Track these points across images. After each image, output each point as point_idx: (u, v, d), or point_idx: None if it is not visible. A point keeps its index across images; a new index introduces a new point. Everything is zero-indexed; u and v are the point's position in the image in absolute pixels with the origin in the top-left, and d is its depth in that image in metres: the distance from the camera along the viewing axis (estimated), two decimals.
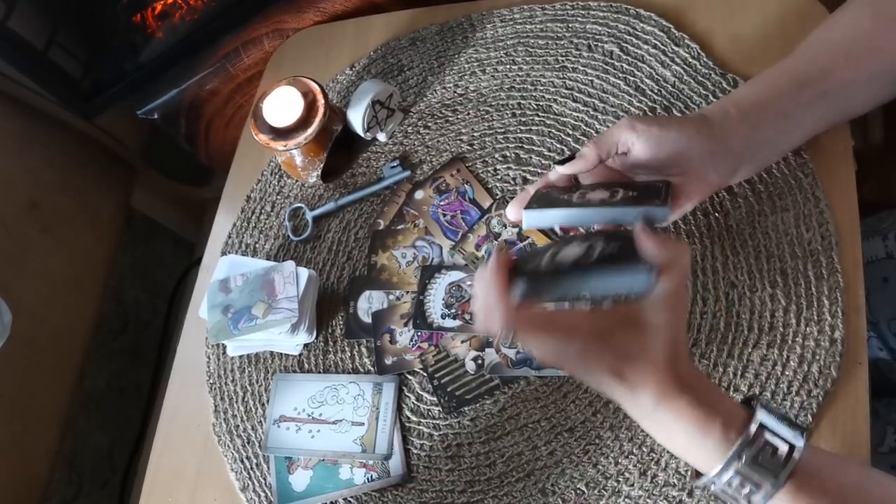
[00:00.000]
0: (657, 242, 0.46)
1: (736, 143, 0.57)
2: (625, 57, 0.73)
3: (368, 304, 0.72)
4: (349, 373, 0.69)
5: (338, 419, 0.67)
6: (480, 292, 0.48)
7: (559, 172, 0.56)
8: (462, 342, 0.67)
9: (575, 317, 0.48)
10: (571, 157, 0.55)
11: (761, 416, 0.44)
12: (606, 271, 0.48)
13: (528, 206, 0.55)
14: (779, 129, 0.57)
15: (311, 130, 0.72)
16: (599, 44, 0.75)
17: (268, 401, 0.71)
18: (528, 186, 0.58)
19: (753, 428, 0.43)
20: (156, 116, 1.02)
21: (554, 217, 0.55)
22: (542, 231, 0.68)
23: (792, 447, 0.43)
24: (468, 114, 0.78)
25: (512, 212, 0.57)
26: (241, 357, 0.74)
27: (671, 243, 0.46)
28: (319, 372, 0.71)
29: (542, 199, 0.57)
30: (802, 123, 0.58)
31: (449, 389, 0.65)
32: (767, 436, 0.43)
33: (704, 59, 0.70)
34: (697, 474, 0.46)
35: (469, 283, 0.68)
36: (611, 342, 0.46)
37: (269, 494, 0.66)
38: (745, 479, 0.43)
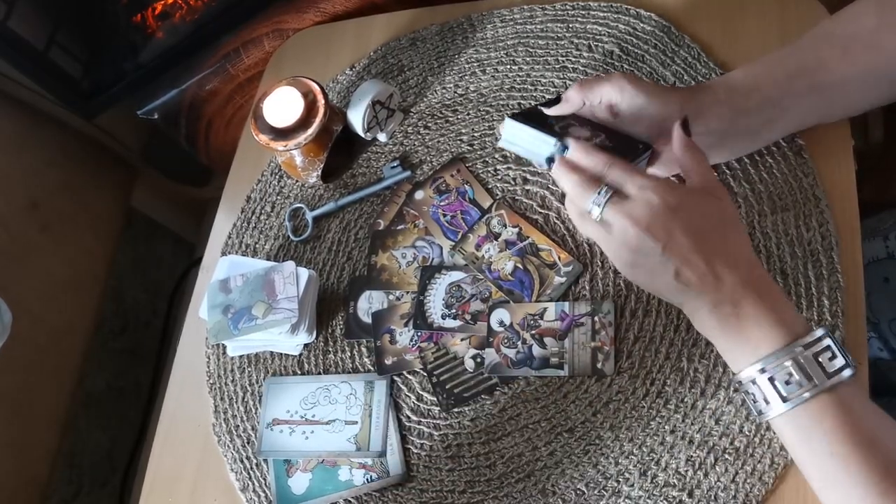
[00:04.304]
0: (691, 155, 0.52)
1: (716, 124, 0.57)
2: (625, 57, 0.73)
3: (368, 304, 0.72)
4: (349, 373, 0.69)
5: (331, 419, 0.67)
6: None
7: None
8: (462, 340, 0.67)
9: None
10: (557, 100, 0.58)
11: (822, 332, 0.47)
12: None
13: (514, 116, 0.58)
14: (763, 118, 0.57)
15: (312, 131, 0.72)
16: (599, 44, 0.75)
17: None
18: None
19: (819, 332, 0.47)
20: (156, 116, 1.02)
21: (530, 139, 0.58)
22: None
23: (844, 366, 0.46)
24: (468, 114, 0.78)
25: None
26: (241, 357, 0.74)
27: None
28: (319, 373, 0.70)
29: (531, 116, 0.59)
30: (788, 115, 0.58)
31: (448, 387, 0.65)
32: (828, 342, 0.46)
33: (704, 59, 0.70)
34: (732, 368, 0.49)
35: (469, 282, 0.68)
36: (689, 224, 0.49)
37: (268, 494, 0.66)
38: (798, 369, 0.45)
